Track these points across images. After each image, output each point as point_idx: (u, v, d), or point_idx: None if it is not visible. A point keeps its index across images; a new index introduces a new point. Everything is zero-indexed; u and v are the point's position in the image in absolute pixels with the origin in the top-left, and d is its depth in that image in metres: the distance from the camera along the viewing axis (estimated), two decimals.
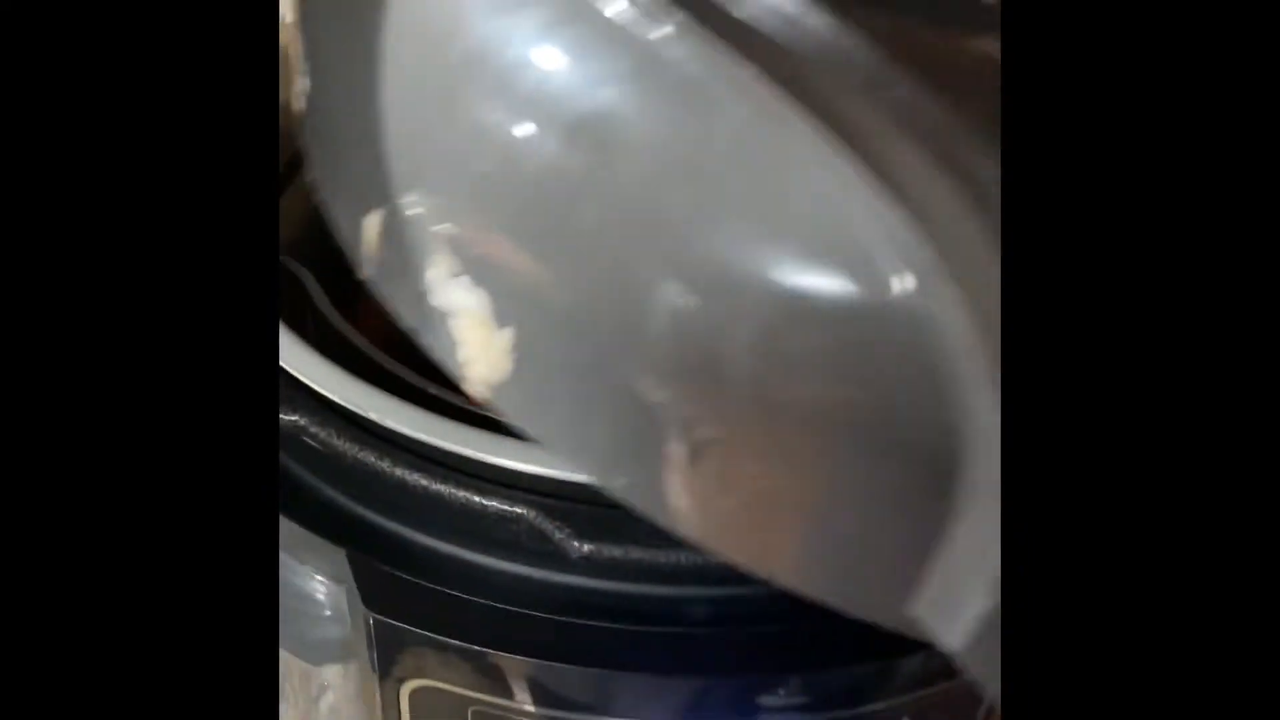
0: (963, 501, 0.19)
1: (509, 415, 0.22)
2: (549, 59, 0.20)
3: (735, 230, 0.19)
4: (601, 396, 0.21)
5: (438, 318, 0.22)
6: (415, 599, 0.26)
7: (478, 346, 0.22)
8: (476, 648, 0.25)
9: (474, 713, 0.26)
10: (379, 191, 0.22)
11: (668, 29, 0.19)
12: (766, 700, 0.25)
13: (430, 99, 0.22)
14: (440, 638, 0.25)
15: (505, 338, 0.21)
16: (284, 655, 0.32)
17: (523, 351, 0.21)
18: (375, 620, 0.26)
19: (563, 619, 0.25)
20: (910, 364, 0.19)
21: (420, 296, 0.22)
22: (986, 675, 0.20)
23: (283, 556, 0.29)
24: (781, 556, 0.21)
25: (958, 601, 0.20)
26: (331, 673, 0.30)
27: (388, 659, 0.26)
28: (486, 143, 0.21)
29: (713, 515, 0.21)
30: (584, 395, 0.21)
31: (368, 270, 0.24)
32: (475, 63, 0.20)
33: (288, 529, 0.28)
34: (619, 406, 0.21)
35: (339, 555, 0.27)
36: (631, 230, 0.20)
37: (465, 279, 0.21)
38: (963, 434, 0.19)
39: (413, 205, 0.22)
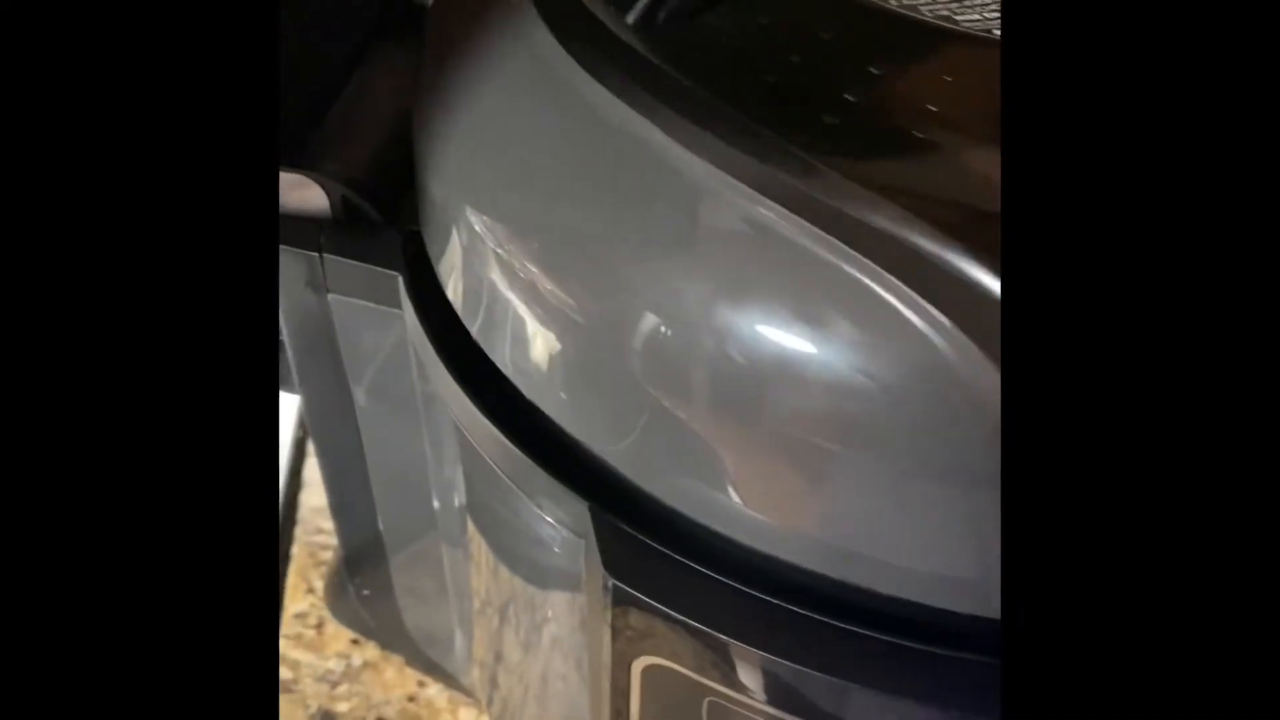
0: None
1: (556, 418, 0.24)
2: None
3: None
4: (629, 404, 0.23)
5: (497, 334, 0.25)
6: (665, 572, 0.23)
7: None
8: (724, 637, 0.22)
9: (710, 704, 0.24)
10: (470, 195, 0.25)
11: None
12: None
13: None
14: (686, 619, 0.23)
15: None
16: (511, 579, 0.30)
17: (558, 361, 0.24)
18: (616, 587, 0.23)
19: (832, 622, 0.22)
20: None
21: (482, 302, 0.25)
22: None
23: (517, 493, 0.27)
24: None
25: None
26: (559, 602, 0.29)
27: (623, 630, 0.24)
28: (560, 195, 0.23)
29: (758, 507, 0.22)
30: (618, 404, 0.23)
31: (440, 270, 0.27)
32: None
33: (530, 470, 0.25)
34: (647, 414, 0.23)
35: (580, 508, 0.24)
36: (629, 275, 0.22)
37: (514, 297, 0.24)
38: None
39: (484, 223, 0.24)
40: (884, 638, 0.22)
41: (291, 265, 0.29)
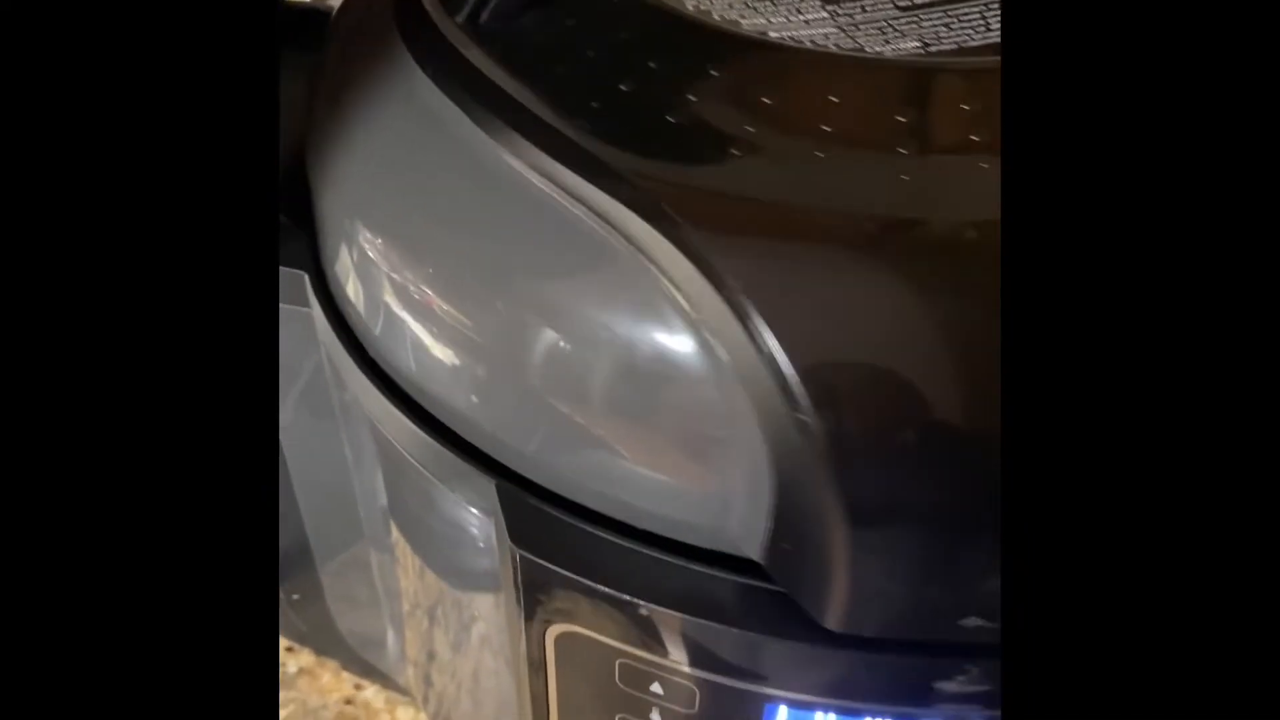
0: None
1: (463, 407, 0.26)
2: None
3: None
4: (531, 402, 0.25)
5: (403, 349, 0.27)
6: (566, 539, 0.24)
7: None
8: (628, 597, 0.23)
9: (621, 666, 0.25)
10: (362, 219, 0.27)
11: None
12: (943, 685, 0.22)
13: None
14: (590, 583, 0.24)
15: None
16: (437, 581, 0.31)
17: (461, 363, 0.25)
18: (522, 557, 0.24)
19: (725, 575, 0.23)
20: None
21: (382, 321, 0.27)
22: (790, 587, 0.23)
23: (436, 484, 0.27)
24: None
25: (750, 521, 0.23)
26: (483, 603, 0.29)
27: (533, 600, 0.25)
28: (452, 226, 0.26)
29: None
30: (521, 399, 0.25)
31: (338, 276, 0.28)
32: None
33: (439, 455, 0.26)
34: (546, 412, 0.24)
35: (489, 486, 0.25)
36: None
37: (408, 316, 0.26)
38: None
39: (375, 246, 0.27)
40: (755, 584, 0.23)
41: None
